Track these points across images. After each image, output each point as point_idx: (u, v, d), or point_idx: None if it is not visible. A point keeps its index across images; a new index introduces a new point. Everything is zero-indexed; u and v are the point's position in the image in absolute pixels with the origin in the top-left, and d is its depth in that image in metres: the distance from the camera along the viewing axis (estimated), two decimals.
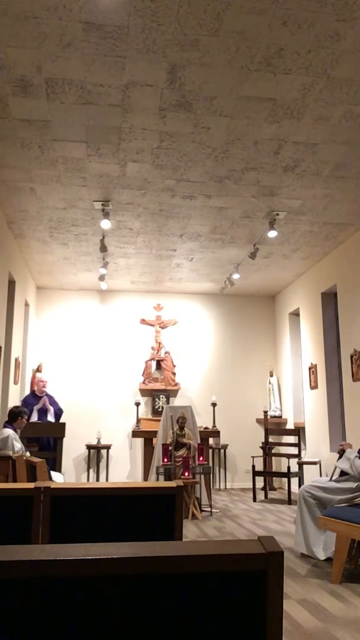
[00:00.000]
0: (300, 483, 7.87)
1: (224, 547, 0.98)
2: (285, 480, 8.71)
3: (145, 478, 7.29)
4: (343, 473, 4.70)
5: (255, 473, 7.99)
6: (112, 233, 6.80)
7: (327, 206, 6.01)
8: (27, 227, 6.72)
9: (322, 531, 4.48)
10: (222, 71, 3.79)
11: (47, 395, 7.91)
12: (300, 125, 4.46)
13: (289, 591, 3.72)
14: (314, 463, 7.72)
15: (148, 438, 7.47)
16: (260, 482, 8.55)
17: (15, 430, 5.69)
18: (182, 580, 0.94)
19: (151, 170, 5.24)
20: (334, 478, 4.74)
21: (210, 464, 8.17)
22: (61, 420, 7.68)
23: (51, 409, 7.73)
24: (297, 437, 8.24)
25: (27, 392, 8.43)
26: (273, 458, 9.02)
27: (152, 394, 9.46)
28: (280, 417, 9.50)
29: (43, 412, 7.66)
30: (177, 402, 9.31)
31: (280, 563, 0.95)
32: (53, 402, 7.88)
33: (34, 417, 7.43)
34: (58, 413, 7.77)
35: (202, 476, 6.78)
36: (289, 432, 8.70)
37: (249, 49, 3.56)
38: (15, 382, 7.60)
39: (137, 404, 8.75)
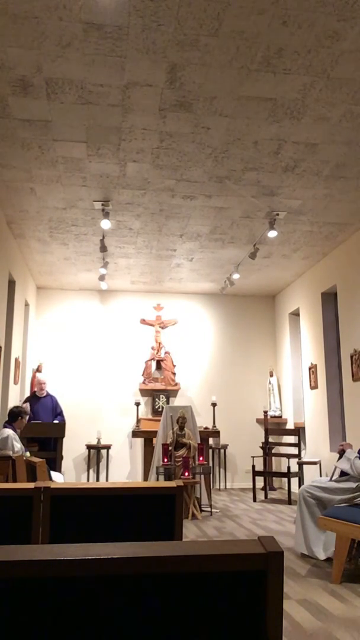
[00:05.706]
0: (300, 483, 7.86)
1: (224, 547, 0.98)
2: (285, 480, 8.70)
3: (145, 478, 7.29)
4: (343, 473, 4.70)
5: (255, 473, 7.99)
6: (112, 233, 6.80)
7: (327, 206, 6.01)
8: (27, 227, 6.72)
9: (322, 531, 4.48)
10: (222, 71, 3.79)
11: (50, 396, 7.90)
12: (300, 125, 4.46)
13: (289, 591, 3.72)
14: (314, 463, 7.72)
15: (148, 438, 7.46)
16: (260, 482, 8.54)
17: (15, 430, 5.69)
18: (182, 580, 0.94)
19: (151, 170, 5.24)
20: (334, 478, 4.74)
21: (210, 464, 8.17)
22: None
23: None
24: (297, 437, 8.24)
25: (27, 392, 8.43)
26: (273, 458, 9.01)
27: (152, 394, 9.46)
28: (280, 417, 9.49)
29: (46, 413, 7.64)
30: (177, 402, 9.31)
31: (280, 563, 0.95)
32: (57, 412, 7.82)
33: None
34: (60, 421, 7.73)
35: (202, 476, 6.78)
36: (289, 432, 8.69)
37: (249, 49, 3.56)
38: (15, 382, 7.60)
39: (137, 404, 8.75)
